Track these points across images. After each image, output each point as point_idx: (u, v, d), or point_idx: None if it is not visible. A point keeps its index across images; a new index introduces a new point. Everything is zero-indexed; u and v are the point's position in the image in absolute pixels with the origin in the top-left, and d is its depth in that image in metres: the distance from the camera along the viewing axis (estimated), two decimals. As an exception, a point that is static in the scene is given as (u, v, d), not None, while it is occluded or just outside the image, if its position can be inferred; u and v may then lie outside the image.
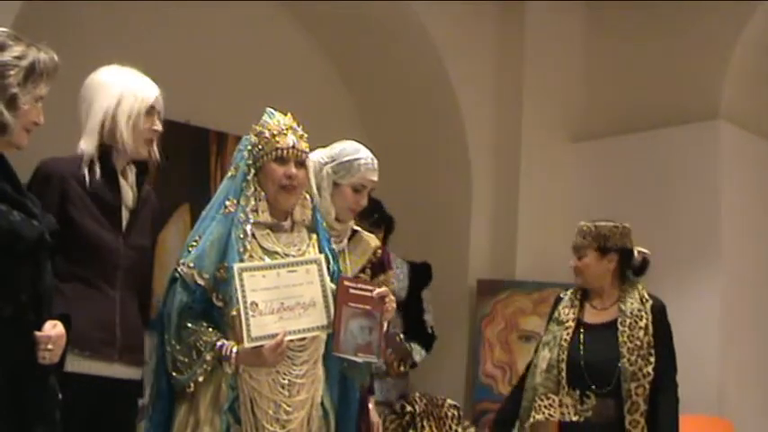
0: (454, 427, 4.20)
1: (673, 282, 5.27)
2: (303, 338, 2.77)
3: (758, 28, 5.29)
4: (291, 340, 2.72)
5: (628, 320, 3.66)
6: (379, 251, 3.34)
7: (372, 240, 3.37)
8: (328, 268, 2.88)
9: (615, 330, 3.65)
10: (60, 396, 2.39)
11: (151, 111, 2.93)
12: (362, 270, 3.26)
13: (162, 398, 2.82)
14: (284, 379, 2.75)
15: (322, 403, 2.85)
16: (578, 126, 5.85)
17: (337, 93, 5.89)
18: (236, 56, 5.34)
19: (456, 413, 4.25)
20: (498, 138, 5.75)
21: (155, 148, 2.97)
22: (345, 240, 3.26)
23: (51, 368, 2.34)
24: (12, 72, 2.32)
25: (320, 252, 2.92)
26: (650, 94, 5.55)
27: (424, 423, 4.12)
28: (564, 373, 3.62)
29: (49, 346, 2.29)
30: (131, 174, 2.94)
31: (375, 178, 3.27)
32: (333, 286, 2.84)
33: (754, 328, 5.28)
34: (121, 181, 2.89)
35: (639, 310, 3.68)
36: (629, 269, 3.81)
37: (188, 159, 5.22)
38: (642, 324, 3.64)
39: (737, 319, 5.18)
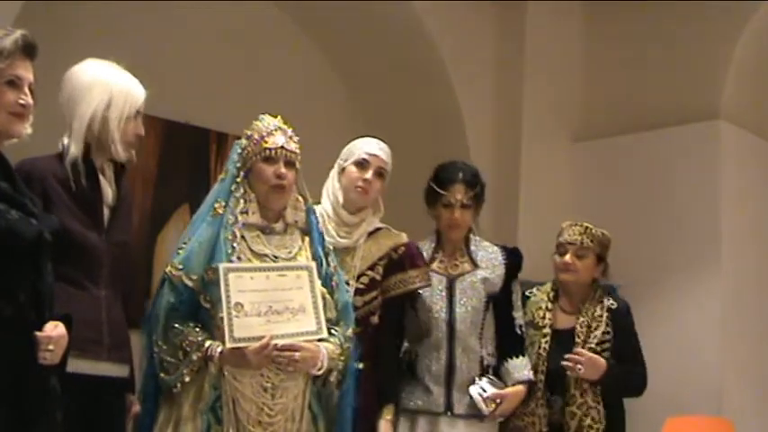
0: None
1: (673, 282, 5.27)
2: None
3: (758, 28, 5.29)
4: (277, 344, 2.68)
5: (584, 328, 3.63)
6: (401, 249, 3.31)
7: (394, 238, 3.34)
8: (320, 273, 2.86)
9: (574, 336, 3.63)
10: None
11: (137, 115, 2.88)
12: (372, 267, 3.23)
13: (149, 400, 2.82)
14: (268, 382, 2.73)
15: (310, 407, 2.82)
16: (578, 126, 5.85)
17: (337, 93, 5.88)
18: (236, 56, 5.33)
19: None
20: (498, 138, 5.74)
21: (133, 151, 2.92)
22: (360, 237, 3.24)
23: (52, 369, 2.33)
24: None
25: (312, 255, 2.89)
26: (650, 94, 5.54)
27: None
28: (541, 384, 3.56)
29: (50, 347, 2.28)
30: (109, 171, 2.89)
31: (380, 155, 3.30)
32: (324, 290, 2.82)
33: (754, 329, 5.27)
34: (101, 179, 2.86)
35: (600, 316, 3.65)
36: (602, 278, 3.80)
37: (188, 159, 5.21)
38: (600, 330, 3.62)
39: (738, 319, 5.17)
